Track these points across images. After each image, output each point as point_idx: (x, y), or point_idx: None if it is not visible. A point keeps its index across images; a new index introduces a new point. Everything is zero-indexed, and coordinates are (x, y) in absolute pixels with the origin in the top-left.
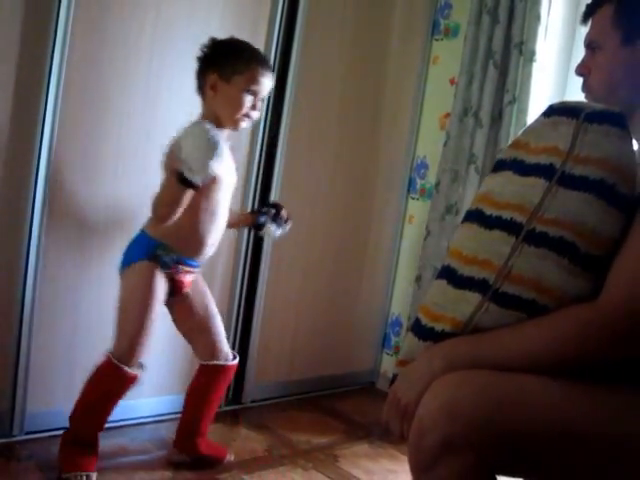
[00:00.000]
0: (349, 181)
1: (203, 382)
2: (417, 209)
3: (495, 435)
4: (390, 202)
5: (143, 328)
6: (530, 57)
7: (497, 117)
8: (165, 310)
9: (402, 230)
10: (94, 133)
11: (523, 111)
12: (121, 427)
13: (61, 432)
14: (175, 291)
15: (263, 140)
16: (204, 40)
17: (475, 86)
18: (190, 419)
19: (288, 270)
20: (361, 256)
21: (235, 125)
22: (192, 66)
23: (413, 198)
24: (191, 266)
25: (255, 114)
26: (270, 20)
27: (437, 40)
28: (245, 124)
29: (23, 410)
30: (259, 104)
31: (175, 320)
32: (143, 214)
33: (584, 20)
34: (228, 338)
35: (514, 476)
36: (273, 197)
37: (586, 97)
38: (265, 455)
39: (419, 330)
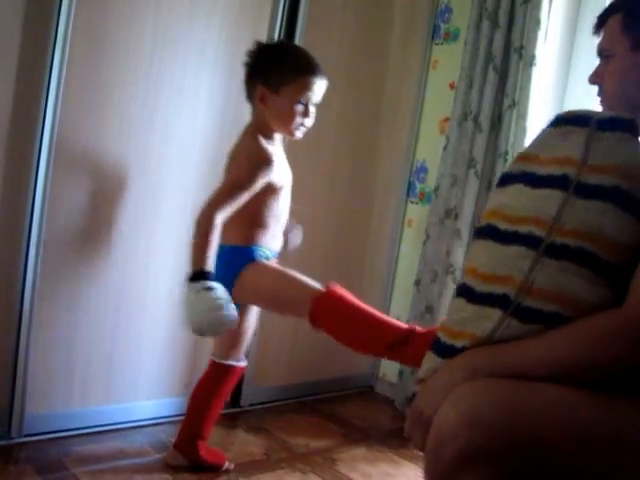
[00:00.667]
0: (348, 185)
1: (212, 379)
2: (416, 213)
3: (516, 444)
4: (389, 206)
5: (307, 283)
6: (530, 61)
7: (497, 121)
8: (164, 314)
9: (401, 234)
10: (93, 136)
11: (523, 115)
12: (119, 430)
13: (60, 435)
14: None
15: None
16: (204, 42)
17: (475, 90)
18: (192, 420)
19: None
20: (360, 260)
21: (290, 135)
22: (192, 68)
23: (412, 202)
24: (275, 257)
25: (309, 122)
26: (270, 25)
27: (437, 44)
28: (300, 133)
29: (21, 412)
30: (311, 110)
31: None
32: (144, 217)
33: (596, 31)
34: None
35: None
36: None
37: (601, 104)
38: (263, 458)
39: (439, 348)
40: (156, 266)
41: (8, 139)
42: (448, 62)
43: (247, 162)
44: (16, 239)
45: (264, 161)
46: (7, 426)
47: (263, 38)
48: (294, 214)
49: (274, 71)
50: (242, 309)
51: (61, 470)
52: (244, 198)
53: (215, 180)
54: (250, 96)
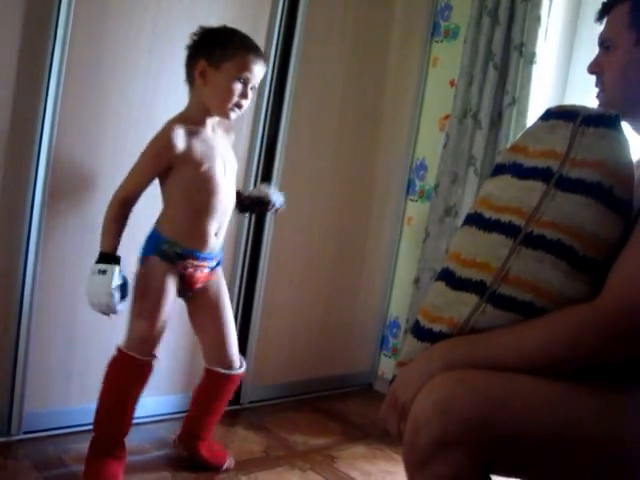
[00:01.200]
0: (348, 182)
1: (207, 387)
2: (416, 211)
3: (489, 434)
4: (389, 204)
5: (158, 320)
6: (530, 59)
7: (497, 119)
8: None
9: (401, 232)
10: (93, 131)
11: (523, 113)
12: None
13: (59, 432)
14: (187, 286)
15: (262, 144)
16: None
17: (475, 88)
18: (194, 420)
19: (286, 271)
20: (360, 258)
21: (225, 115)
22: None
23: (412, 200)
24: (200, 259)
25: (245, 103)
26: (270, 21)
27: (437, 42)
28: (235, 114)
29: (21, 410)
30: (250, 93)
31: (189, 315)
32: (141, 213)
33: (599, 18)
34: None
35: (509, 476)
36: None
37: (598, 96)
38: (263, 456)
39: (418, 331)
40: None
41: (8, 135)
42: (448, 60)
43: (148, 144)
44: (16, 237)
45: (163, 136)
46: (6, 423)
47: (262, 35)
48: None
49: (217, 47)
50: (197, 301)
51: (60, 467)
52: (145, 177)
53: None
54: (189, 77)
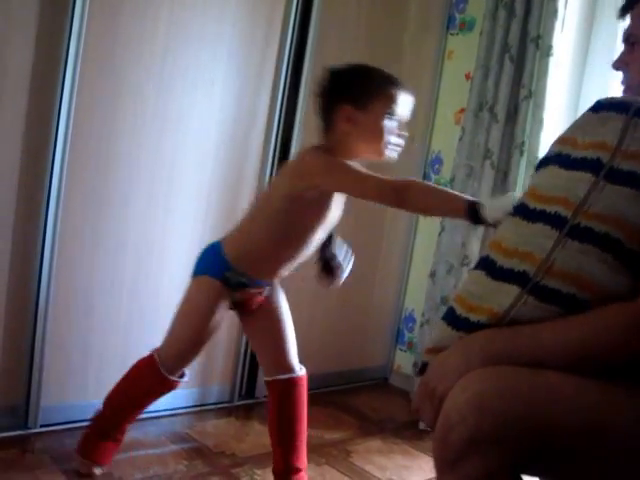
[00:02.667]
0: None
1: (275, 404)
2: None
3: (523, 432)
4: None
5: (196, 342)
6: (547, 51)
7: (513, 112)
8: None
9: (416, 225)
10: (108, 129)
11: (539, 106)
12: (136, 421)
13: (76, 425)
14: (243, 309)
15: (277, 138)
16: (217, 35)
17: (491, 81)
18: (279, 451)
19: (301, 264)
20: (375, 251)
21: (379, 155)
22: (206, 61)
23: None
24: (261, 286)
25: (400, 141)
26: (284, 17)
27: (452, 34)
28: (392, 152)
29: (38, 403)
30: (402, 128)
31: (244, 329)
32: (158, 206)
33: (622, 14)
34: (241, 333)
35: (541, 476)
36: None
37: (624, 92)
38: None
39: (453, 319)
40: (171, 255)
41: (26, 127)
42: (464, 52)
43: (327, 166)
44: (31, 231)
45: (337, 160)
46: (24, 416)
47: (277, 30)
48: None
49: (359, 87)
50: (252, 320)
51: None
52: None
53: (231, 170)
54: (328, 124)
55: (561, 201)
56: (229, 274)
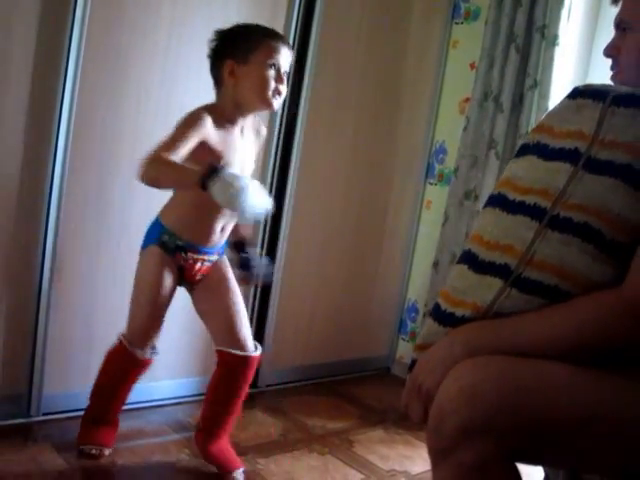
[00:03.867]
0: (367, 166)
1: (220, 375)
2: (435, 194)
3: (517, 421)
4: (408, 187)
5: (152, 312)
6: (552, 41)
7: (518, 102)
8: (182, 293)
9: (420, 215)
10: (111, 121)
11: (544, 96)
12: (138, 409)
13: (78, 413)
14: (186, 277)
15: (281, 123)
16: (222, 22)
17: (496, 70)
18: (209, 416)
19: (305, 254)
20: (378, 241)
21: (268, 106)
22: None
23: (431, 183)
24: (202, 252)
25: (283, 88)
26: (289, 6)
27: (457, 24)
28: (277, 102)
29: (40, 391)
30: (284, 77)
31: (194, 305)
32: (159, 197)
33: (615, 0)
34: None
35: (534, 463)
36: (291, 181)
37: (612, 78)
38: (280, 439)
39: (439, 315)
40: None
41: (27, 120)
42: (468, 42)
43: (181, 120)
44: (34, 218)
45: (196, 114)
46: (26, 405)
47: (281, 19)
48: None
49: (240, 42)
50: (200, 291)
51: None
52: (182, 148)
53: None
54: (216, 80)
55: (540, 192)
56: (165, 238)
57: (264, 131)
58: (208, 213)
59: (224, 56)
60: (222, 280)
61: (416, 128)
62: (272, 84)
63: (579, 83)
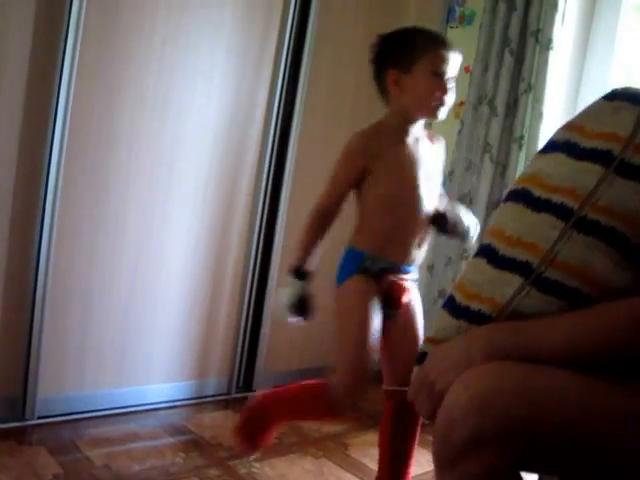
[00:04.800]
0: None
1: (389, 413)
2: None
3: (528, 434)
4: None
5: (364, 352)
6: (547, 45)
7: (512, 106)
8: (177, 297)
9: None
10: (107, 120)
11: (539, 100)
12: (132, 413)
13: (73, 417)
14: (393, 302)
15: (275, 129)
16: (217, 24)
17: (490, 74)
18: (392, 471)
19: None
20: None
21: (432, 114)
22: (205, 51)
23: None
24: (402, 272)
25: (448, 98)
26: (284, 9)
27: (452, 27)
28: (443, 112)
29: (35, 395)
30: (450, 85)
31: (382, 335)
32: (158, 198)
33: None
34: (239, 326)
35: (541, 474)
36: (285, 184)
37: None
38: (276, 442)
39: (453, 308)
40: (169, 249)
41: (23, 119)
42: (463, 46)
43: (340, 157)
44: (29, 223)
45: (352, 145)
46: (21, 408)
47: (277, 18)
48: None
49: (403, 51)
50: (396, 322)
51: (74, 452)
52: (341, 185)
53: (230, 161)
54: (382, 89)
55: (568, 192)
56: (367, 263)
57: (443, 142)
58: (404, 227)
59: (387, 64)
60: (414, 316)
61: None
62: (436, 93)
63: (573, 87)
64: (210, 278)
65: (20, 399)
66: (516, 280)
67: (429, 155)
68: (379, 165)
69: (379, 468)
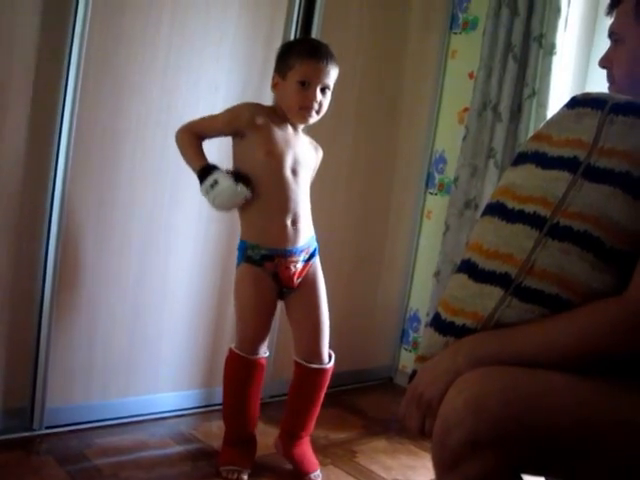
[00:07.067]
0: (367, 176)
1: (297, 383)
2: (435, 204)
3: (522, 433)
4: (408, 197)
5: (257, 323)
6: (550, 50)
7: (516, 111)
8: (184, 305)
9: (420, 225)
10: (111, 129)
11: (543, 105)
12: (141, 422)
13: (80, 427)
14: (285, 284)
15: None
16: (221, 32)
17: (494, 80)
18: (289, 419)
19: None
20: (379, 252)
21: (299, 119)
22: (209, 58)
23: (431, 193)
24: (288, 254)
25: (316, 105)
26: (288, 13)
27: (455, 34)
28: (311, 117)
29: (43, 405)
30: (319, 96)
31: (286, 309)
32: (162, 206)
33: (609, 12)
34: None
35: (540, 475)
36: None
37: (610, 89)
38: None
39: (439, 324)
40: (175, 257)
41: (29, 127)
42: (467, 52)
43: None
44: (36, 233)
45: (241, 104)
46: (29, 418)
47: (281, 25)
48: None
49: (283, 59)
50: (293, 298)
51: (82, 462)
52: (216, 123)
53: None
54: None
55: (540, 201)
56: (250, 252)
57: (320, 154)
58: (272, 212)
59: (275, 68)
60: (313, 289)
61: (416, 138)
62: (300, 100)
63: (577, 92)
64: (217, 286)
65: (28, 409)
66: (497, 292)
67: (304, 152)
68: (253, 132)
69: (281, 421)
